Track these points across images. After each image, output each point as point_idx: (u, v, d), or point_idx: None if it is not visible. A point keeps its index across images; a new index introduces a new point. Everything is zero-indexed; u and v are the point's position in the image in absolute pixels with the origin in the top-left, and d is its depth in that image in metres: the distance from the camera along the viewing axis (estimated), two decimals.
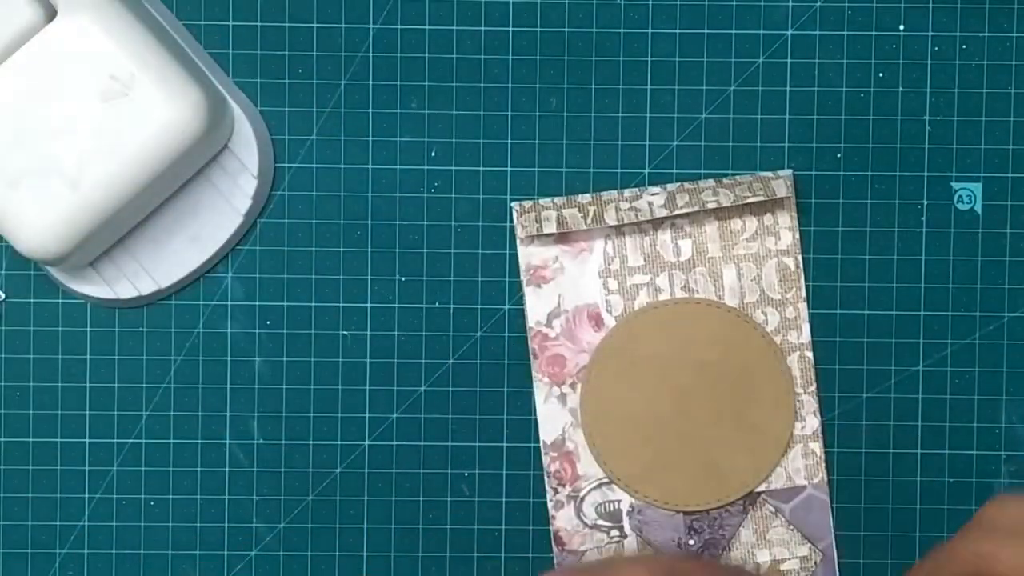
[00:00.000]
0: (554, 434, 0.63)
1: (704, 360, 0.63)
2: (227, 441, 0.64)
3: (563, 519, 0.63)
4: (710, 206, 0.61)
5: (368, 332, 0.64)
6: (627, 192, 0.63)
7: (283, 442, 0.64)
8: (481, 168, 0.64)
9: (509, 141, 0.64)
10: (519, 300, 0.63)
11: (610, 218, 0.62)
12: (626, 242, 0.63)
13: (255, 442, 0.64)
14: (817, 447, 0.63)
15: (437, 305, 0.64)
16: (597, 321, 0.63)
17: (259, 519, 0.64)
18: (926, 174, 0.64)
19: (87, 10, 0.57)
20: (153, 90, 0.57)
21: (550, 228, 0.62)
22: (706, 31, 0.63)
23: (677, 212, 0.62)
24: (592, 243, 0.63)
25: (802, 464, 0.63)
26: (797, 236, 0.63)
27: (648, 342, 0.63)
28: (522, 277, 0.63)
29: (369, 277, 0.64)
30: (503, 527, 0.64)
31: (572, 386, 0.63)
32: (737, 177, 0.63)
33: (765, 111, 0.63)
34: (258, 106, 0.63)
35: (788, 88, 0.63)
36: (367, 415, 0.64)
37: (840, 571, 0.64)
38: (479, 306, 0.64)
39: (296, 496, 0.64)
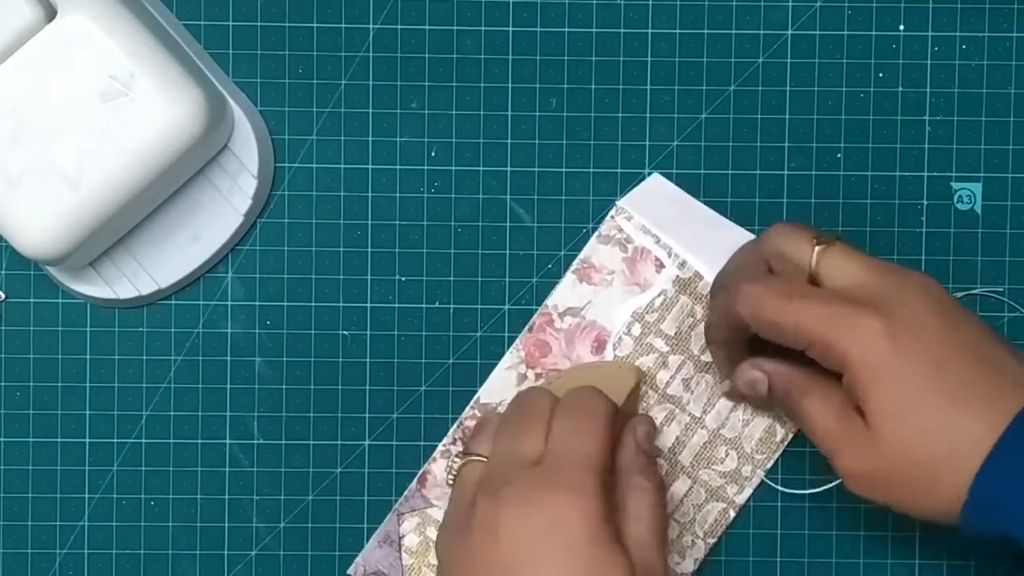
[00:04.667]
0: (492, 399, 0.62)
1: None
2: (227, 441, 0.64)
3: (438, 468, 0.63)
4: None
5: (368, 332, 0.64)
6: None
7: (283, 442, 0.64)
8: (481, 168, 0.64)
9: (509, 141, 0.63)
10: (519, 300, 0.63)
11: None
12: (675, 307, 0.62)
13: (255, 442, 0.64)
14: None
15: (437, 305, 0.64)
16: (600, 346, 0.62)
17: (259, 519, 0.64)
18: (926, 174, 0.64)
19: (87, 10, 0.57)
20: (153, 90, 0.57)
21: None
22: (706, 31, 0.63)
23: None
24: (650, 285, 0.62)
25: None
26: None
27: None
28: (574, 264, 0.63)
29: (369, 277, 0.64)
30: None
31: (537, 376, 0.63)
32: None
33: (765, 111, 0.63)
34: (258, 106, 0.63)
35: (788, 88, 0.63)
36: (367, 415, 0.64)
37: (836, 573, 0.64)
38: (479, 306, 0.64)
39: (296, 496, 0.64)
